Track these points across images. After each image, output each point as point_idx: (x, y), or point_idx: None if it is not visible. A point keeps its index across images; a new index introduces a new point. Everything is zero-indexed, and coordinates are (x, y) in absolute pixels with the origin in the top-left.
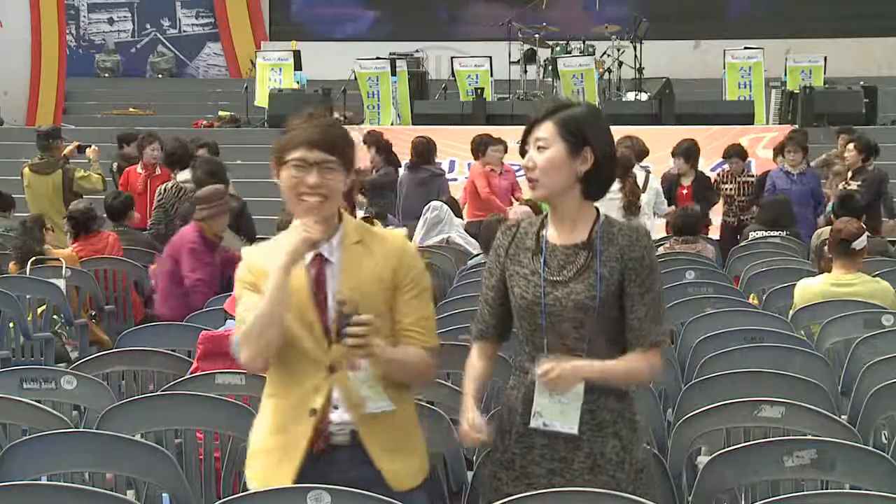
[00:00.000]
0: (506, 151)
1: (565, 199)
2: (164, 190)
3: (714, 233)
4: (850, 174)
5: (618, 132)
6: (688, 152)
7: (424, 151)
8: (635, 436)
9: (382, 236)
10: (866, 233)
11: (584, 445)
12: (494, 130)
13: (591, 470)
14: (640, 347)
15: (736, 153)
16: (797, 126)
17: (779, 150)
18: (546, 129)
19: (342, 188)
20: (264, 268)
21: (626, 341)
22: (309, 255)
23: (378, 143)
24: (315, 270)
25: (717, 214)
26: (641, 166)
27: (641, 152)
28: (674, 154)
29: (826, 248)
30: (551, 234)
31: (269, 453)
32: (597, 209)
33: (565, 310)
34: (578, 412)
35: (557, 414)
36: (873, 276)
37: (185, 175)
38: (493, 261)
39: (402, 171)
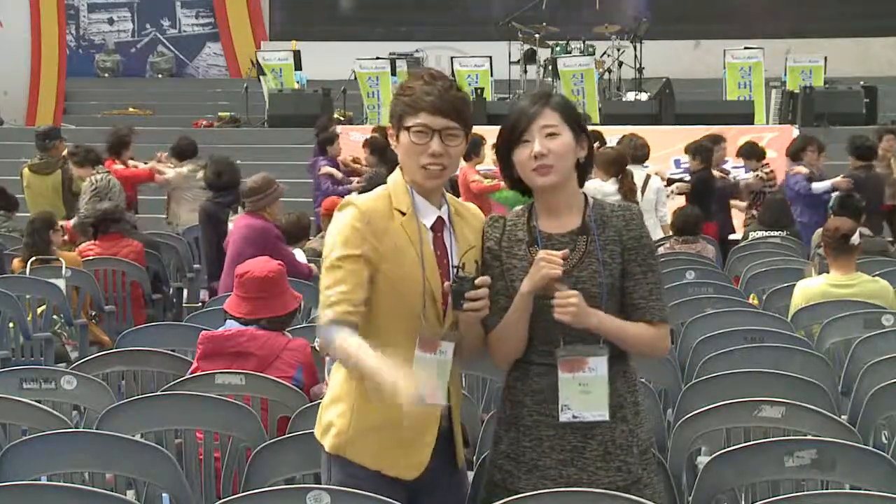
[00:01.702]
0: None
1: (566, 186)
2: (97, 181)
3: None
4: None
5: (618, 132)
6: (696, 150)
7: None
8: (638, 419)
9: (467, 206)
10: (859, 230)
11: (595, 433)
12: (495, 131)
13: (603, 457)
14: (645, 321)
15: (745, 153)
16: (797, 126)
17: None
18: (551, 117)
19: (461, 155)
20: (380, 225)
21: (631, 319)
22: (431, 218)
23: (372, 146)
24: (438, 234)
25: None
26: (643, 166)
27: (640, 156)
28: (686, 151)
29: (822, 249)
30: (543, 223)
31: (398, 429)
32: (584, 194)
33: None
34: (606, 398)
35: (585, 403)
36: (873, 277)
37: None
38: (486, 254)
39: None
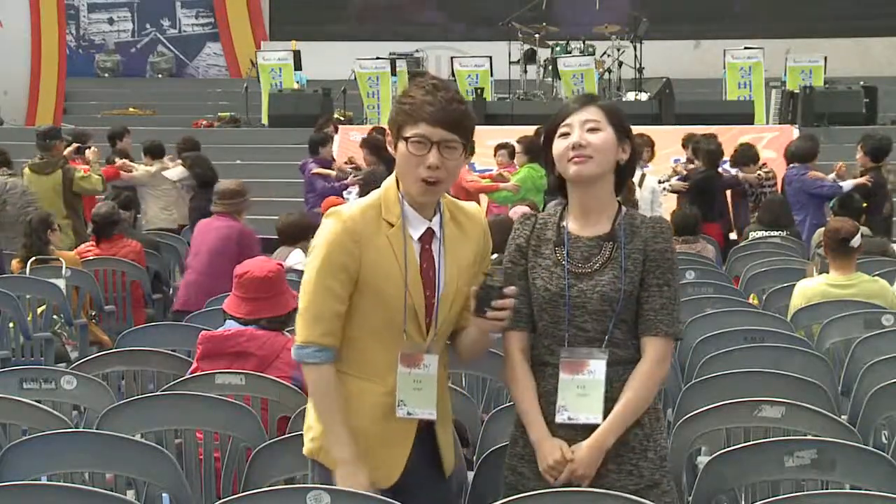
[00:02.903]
0: (513, 156)
1: (601, 187)
2: None
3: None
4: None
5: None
6: (697, 152)
7: None
8: (658, 424)
9: (467, 211)
10: (861, 231)
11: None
12: (494, 131)
13: (615, 460)
14: (648, 336)
15: (737, 160)
16: (797, 126)
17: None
18: (595, 113)
19: (460, 168)
20: (365, 236)
21: (639, 331)
22: (420, 229)
23: (370, 144)
24: (426, 246)
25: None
26: (640, 166)
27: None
28: (684, 145)
29: (822, 249)
30: (572, 225)
31: (374, 437)
32: (619, 202)
33: (590, 302)
34: (602, 401)
35: (582, 406)
36: (872, 277)
37: (179, 174)
38: (515, 252)
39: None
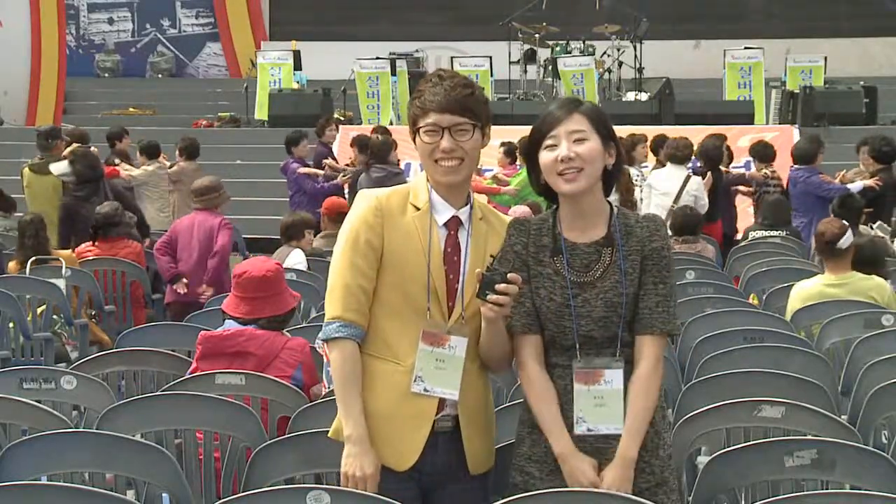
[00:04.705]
0: (514, 156)
1: (591, 194)
2: None
3: None
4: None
5: (618, 132)
6: (701, 153)
7: (379, 150)
8: (664, 422)
9: (498, 215)
10: (849, 231)
11: (618, 435)
12: (494, 131)
13: None
14: (644, 335)
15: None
16: (797, 126)
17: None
18: (580, 122)
19: (479, 148)
20: (390, 215)
21: (635, 330)
22: (446, 216)
23: (359, 144)
24: (452, 232)
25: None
26: (688, 167)
27: (680, 157)
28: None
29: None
30: (568, 232)
31: (392, 419)
32: (609, 203)
33: (595, 310)
34: (621, 410)
35: (601, 417)
36: (868, 275)
37: (61, 168)
38: (514, 257)
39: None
